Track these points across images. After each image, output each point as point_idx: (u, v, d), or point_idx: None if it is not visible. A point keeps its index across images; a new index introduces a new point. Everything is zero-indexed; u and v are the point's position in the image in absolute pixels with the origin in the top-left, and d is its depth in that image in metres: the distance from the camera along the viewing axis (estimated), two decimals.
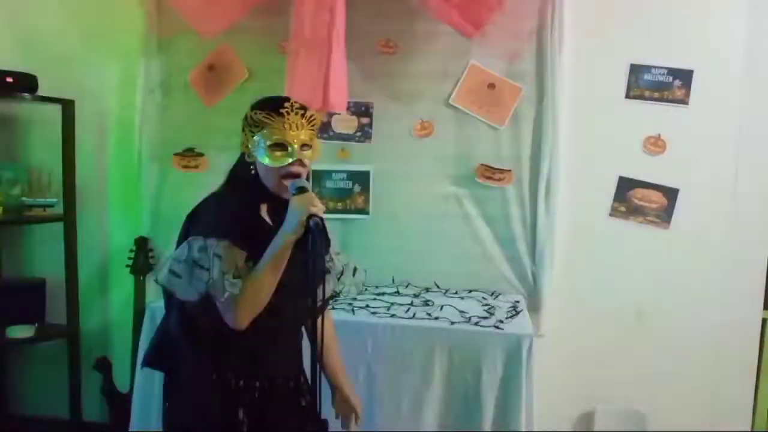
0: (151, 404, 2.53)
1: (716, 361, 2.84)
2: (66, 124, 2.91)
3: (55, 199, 2.94)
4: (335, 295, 1.87)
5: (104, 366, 2.83)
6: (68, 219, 2.94)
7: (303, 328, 1.81)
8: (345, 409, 1.90)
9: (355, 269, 1.89)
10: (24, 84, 2.81)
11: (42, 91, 2.85)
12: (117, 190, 3.07)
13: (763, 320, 2.89)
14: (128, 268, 2.87)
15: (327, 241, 1.80)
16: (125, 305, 2.94)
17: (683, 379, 2.84)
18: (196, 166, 2.96)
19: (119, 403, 2.72)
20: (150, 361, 1.80)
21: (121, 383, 2.85)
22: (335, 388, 1.87)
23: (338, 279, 1.85)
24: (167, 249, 2.90)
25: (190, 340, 1.66)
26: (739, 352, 2.84)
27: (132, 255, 2.88)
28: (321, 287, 1.78)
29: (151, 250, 2.90)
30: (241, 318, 1.53)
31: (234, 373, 1.64)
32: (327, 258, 1.81)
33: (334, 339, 1.91)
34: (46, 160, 3.03)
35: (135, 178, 2.98)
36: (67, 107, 2.91)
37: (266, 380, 1.68)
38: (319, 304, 1.79)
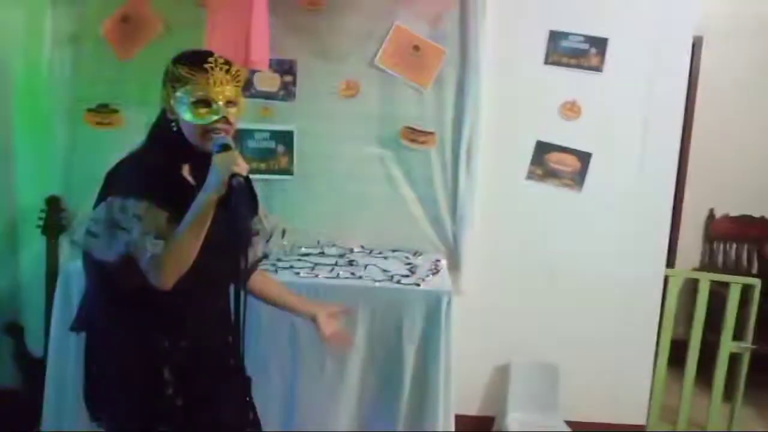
0: (66, 368, 2.47)
1: (623, 316, 3.02)
2: None
3: None
4: (264, 257, 1.86)
5: (15, 330, 2.72)
6: None
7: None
8: (334, 326, 1.89)
9: (283, 231, 1.89)
10: None
11: None
12: (25, 147, 2.90)
13: (665, 277, 3.09)
14: (39, 229, 2.75)
15: (254, 202, 1.79)
16: (36, 267, 2.82)
17: (593, 333, 3.02)
18: (110, 123, 2.83)
19: (33, 368, 2.63)
20: (79, 325, 1.75)
21: (34, 348, 2.75)
22: (313, 316, 1.87)
23: (267, 241, 1.85)
24: (80, 208, 2.78)
25: (112, 300, 1.62)
26: (643, 307, 3.03)
27: (43, 215, 2.75)
28: (249, 248, 1.77)
29: (64, 209, 2.78)
30: (165, 278, 1.50)
31: (159, 334, 1.62)
32: (255, 220, 1.79)
33: (276, 282, 1.93)
34: None
35: (44, 135, 2.83)
36: None
37: (192, 340, 1.66)
38: (247, 265, 1.80)
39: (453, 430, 2.47)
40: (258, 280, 1.87)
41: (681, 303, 3.31)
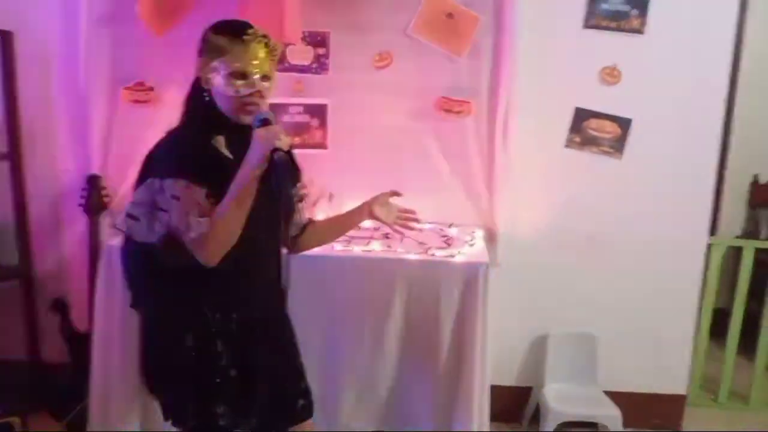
0: (111, 343, 2.54)
1: (664, 285, 2.97)
2: (6, 57, 2.76)
3: None
4: (310, 223, 1.88)
5: (61, 306, 2.79)
6: (14, 157, 2.83)
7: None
8: (393, 213, 1.93)
9: (330, 195, 1.91)
10: None
11: None
12: (65, 126, 2.94)
13: (708, 245, 3.02)
14: (81, 207, 2.80)
15: (297, 172, 1.79)
16: (80, 244, 2.89)
17: (633, 303, 2.97)
18: (146, 101, 2.84)
19: (79, 343, 2.70)
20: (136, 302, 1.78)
21: (79, 323, 2.83)
22: (371, 216, 1.91)
23: (314, 206, 1.87)
24: (120, 186, 2.83)
25: (160, 278, 1.64)
26: (685, 276, 2.97)
27: (84, 194, 2.80)
28: (293, 216, 1.79)
29: (104, 187, 2.82)
30: (211, 256, 1.52)
31: (210, 307, 1.64)
32: (299, 186, 1.81)
33: (320, 222, 1.93)
34: None
35: (83, 114, 2.86)
36: (6, 39, 2.76)
37: (244, 313, 1.68)
38: (294, 234, 1.82)
39: (488, 400, 2.47)
40: (307, 232, 1.88)
41: (724, 271, 3.25)
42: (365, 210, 1.89)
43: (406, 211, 1.96)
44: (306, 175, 1.83)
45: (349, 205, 2.00)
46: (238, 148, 1.53)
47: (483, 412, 2.45)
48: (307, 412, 1.85)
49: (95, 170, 2.84)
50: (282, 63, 2.78)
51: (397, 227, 1.94)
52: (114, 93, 2.85)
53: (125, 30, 2.78)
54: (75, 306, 2.83)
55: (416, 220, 1.96)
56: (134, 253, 1.67)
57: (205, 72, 1.59)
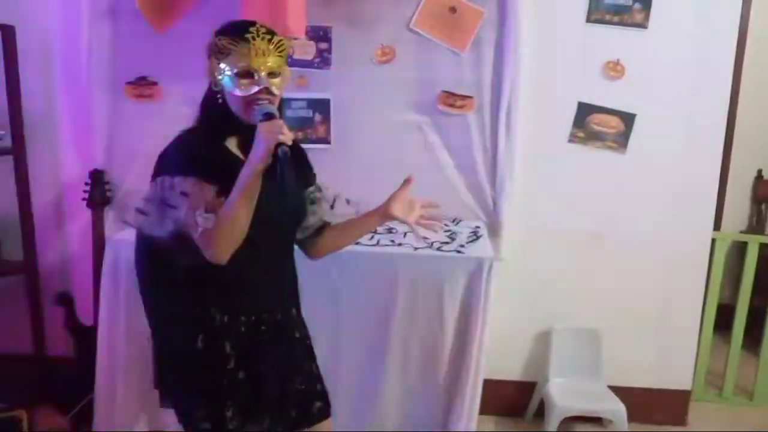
0: (116, 336, 2.54)
1: (668, 280, 2.96)
2: (7, 52, 2.75)
3: (1, 131, 2.82)
4: (325, 225, 1.85)
5: (66, 300, 2.79)
6: (17, 152, 2.83)
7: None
8: (415, 211, 1.79)
9: (347, 200, 1.89)
10: None
11: None
12: (68, 121, 2.94)
13: (712, 240, 3.01)
14: (84, 201, 2.81)
15: (309, 171, 1.80)
16: (84, 239, 2.89)
17: (637, 298, 2.96)
18: (149, 96, 2.84)
19: (84, 337, 2.71)
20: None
21: (84, 317, 2.83)
22: (389, 216, 1.78)
23: (330, 209, 1.84)
24: (124, 181, 2.84)
25: (168, 277, 1.64)
26: (689, 271, 2.96)
27: (87, 188, 2.80)
28: (306, 218, 1.78)
29: (108, 182, 2.83)
30: (220, 252, 1.51)
31: (218, 308, 1.64)
32: (313, 188, 1.79)
33: (336, 225, 1.86)
34: None
35: (86, 110, 2.86)
36: (7, 33, 2.75)
37: (252, 314, 1.67)
38: (306, 234, 1.81)
39: (480, 394, 2.47)
40: (324, 235, 1.84)
41: (728, 266, 3.24)
42: (381, 212, 1.79)
43: (429, 204, 1.83)
44: (321, 178, 1.81)
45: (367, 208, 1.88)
46: (251, 148, 1.52)
47: (474, 406, 2.45)
48: (323, 413, 1.82)
49: (98, 165, 2.84)
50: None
51: (420, 228, 1.80)
52: (117, 87, 2.85)
53: (128, 24, 2.78)
54: (79, 299, 2.84)
55: (439, 220, 1.83)
56: (145, 251, 1.67)
57: (214, 74, 1.59)
